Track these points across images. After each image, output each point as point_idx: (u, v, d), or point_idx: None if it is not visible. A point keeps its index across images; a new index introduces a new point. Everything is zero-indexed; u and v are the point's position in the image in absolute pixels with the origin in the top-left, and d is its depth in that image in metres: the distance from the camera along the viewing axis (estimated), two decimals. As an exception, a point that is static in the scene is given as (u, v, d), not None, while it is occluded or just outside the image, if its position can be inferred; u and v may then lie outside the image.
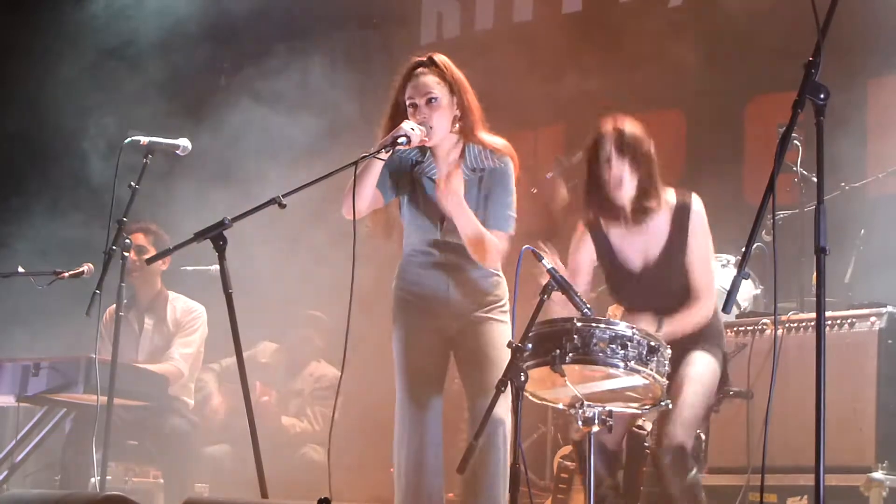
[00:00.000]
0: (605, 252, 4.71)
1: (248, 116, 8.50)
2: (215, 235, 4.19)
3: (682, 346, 4.51)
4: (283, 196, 4.16)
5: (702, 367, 4.55)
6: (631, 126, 4.57)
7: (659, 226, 4.62)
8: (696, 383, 4.50)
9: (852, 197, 6.27)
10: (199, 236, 4.20)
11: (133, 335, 6.22)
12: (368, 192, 4.54)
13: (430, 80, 4.59)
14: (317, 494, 3.46)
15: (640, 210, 4.57)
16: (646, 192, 4.55)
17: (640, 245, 4.65)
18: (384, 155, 4.44)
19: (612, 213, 4.61)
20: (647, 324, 4.41)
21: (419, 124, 4.51)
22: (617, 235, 4.68)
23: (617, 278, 4.71)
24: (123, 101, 8.35)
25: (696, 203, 4.64)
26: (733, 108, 7.28)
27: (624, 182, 4.53)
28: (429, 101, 4.55)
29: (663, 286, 4.59)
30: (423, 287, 4.68)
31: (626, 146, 4.51)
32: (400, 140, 4.41)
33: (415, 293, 4.69)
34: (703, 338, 4.61)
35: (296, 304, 7.61)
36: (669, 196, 4.64)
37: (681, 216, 4.61)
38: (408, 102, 4.58)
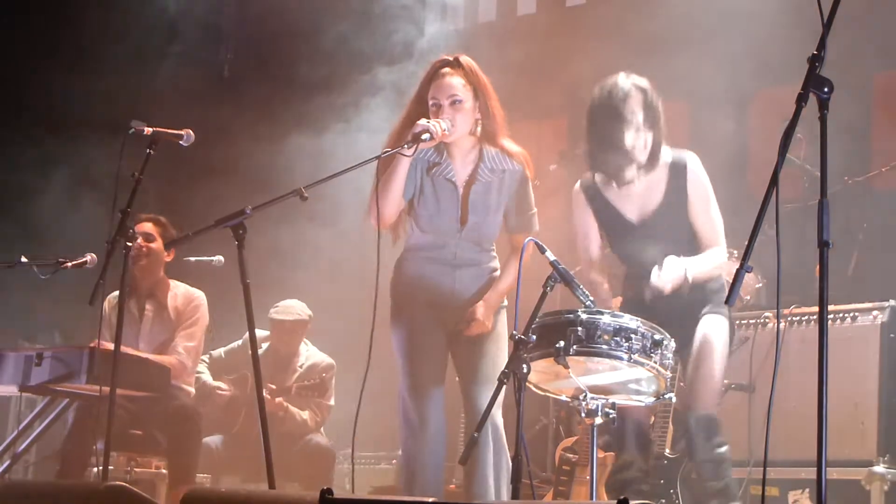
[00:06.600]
0: (603, 207, 4.76)
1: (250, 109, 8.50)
2: (236, 224, 4.15)
3: (693, 307, 4.57)
4: (305, 188, 4.14)
5: (716, 334, 4.58)
6: (645, 82, 4.60)
7: (655, 181, 4.67)
8: (714, 353, 4.56)
9: (856, 191, 6.26)
10: (220, 223, 4.15)
11: (134, 323, 6.20)
12: (398, 195, 4.56)
13: (455, 81, 4.57)
14: (321, 483, 3.47)
15: (646, 166, 4.60)
16: (657, 147, 4.59)
17: (637, 200, 4.71)
18: (408, 151, 4.44)
19: (613, 170, 4.64)
20: (672, 263, 4.43)
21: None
22: (612, 193, 4.73)
23: (616, 230, 4.77)
24: (127, 91, 8.34)
25: (692, 161, 4.69)
26: (738, 101, 7.27)
27: (641, 136, 4.55)
28: (453, 102, 4.55)
29: (663, 239, 4.62)
30: (426, 279, 4.69)
31: (647, 103, 4.54)
32: (424, 136, 4.40)
33: (417, 286, 4.70)
34: (710, 296, 4.65)
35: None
36: (665, 153, 4.67)
37: (676, 173, 4.66)
38: (431, 102, 4.56)
